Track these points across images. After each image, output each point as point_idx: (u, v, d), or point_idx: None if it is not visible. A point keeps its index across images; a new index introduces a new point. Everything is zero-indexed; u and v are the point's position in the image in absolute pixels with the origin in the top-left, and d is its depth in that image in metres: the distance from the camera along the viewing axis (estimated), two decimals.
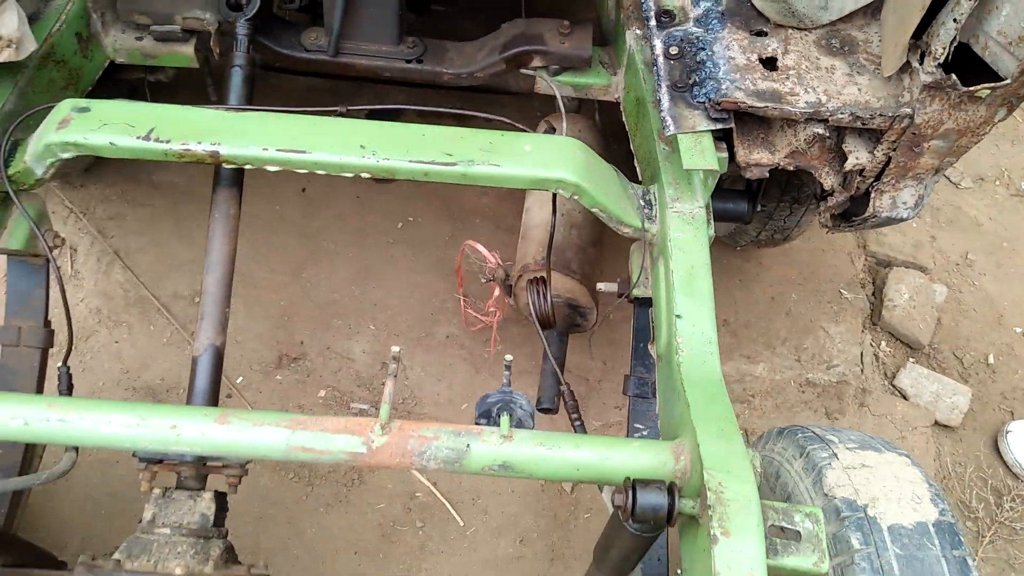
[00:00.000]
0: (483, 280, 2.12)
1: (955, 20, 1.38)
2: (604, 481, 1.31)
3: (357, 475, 2.35)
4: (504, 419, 1.34)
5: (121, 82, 2.28)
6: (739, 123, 1.62)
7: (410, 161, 1.57)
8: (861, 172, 1.65)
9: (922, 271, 2.86)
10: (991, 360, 2.77)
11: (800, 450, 1.44)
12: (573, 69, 2.08)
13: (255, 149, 1.56)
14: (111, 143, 1.56)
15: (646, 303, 1.74)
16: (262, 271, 2.68)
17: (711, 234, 1.63)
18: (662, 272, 1.58)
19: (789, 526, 1.18)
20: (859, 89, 1.56)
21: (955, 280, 2.93)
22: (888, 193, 1.67)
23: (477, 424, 1.39)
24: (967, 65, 1.45)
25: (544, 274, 1.92)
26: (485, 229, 2.81)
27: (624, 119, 2.01)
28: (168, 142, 1.55)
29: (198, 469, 1.58)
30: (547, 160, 1.57)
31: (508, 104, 2.31)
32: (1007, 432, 2.57)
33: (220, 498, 1.59)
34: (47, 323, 1.88)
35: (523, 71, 2.10)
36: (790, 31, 1.64)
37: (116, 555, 1.47)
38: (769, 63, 1.60)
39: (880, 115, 1.53)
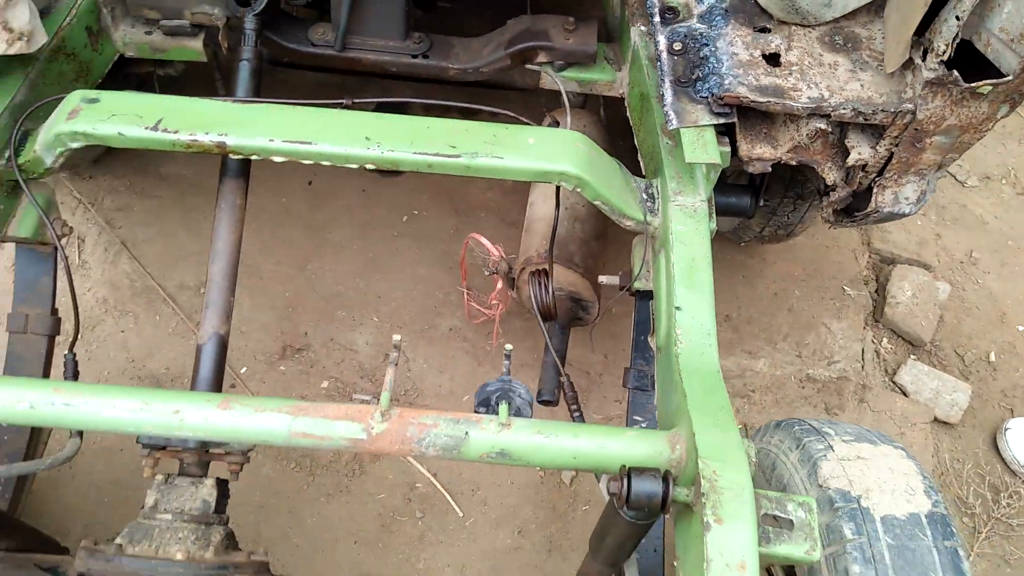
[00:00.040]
0: (486, 273, 2.13)
1: (957, 17, 1.39)
2: (601, 469, 1.32)
3: (358, 465, 2.37)
4: (503, 407, 1.35)
5: (130, 75, 2.30)
6: (742, 118, 1.63)
7: (414, 153, 1.58)
8: (863, 167, 1.66)
9: (926, 269, 2.86)
10: (992, 358, 2.77)
11: (796, 442, 1.45)
12: (578, 65, 2.09)
13: (261, 140, 1.58)
14: (120, 133, 1.58)
15: (647, 296, 1.76)
16: (268, 263, 2.70)
17: (713, 228, 1.64)
18: (663, 265, 1.59)
19: (782, 515, 1.19)
20: (862, 85, 1.57)
21: (959, 278, 2.93)
22: (890, 188, 1.68)
23: (476, 412, 1.40)
24: (970, 62, 1.46)
25: (546, 266, 1.93)
26: (490, 223, 2.83)
27: (628, 114, 2.02)
28: (176, 133, 1.57)
29: (200, 456, 1.60)
30: (550, 153, 1.59)
31: (514, 100, 2.31)
32: (1006, 430, 2.57)
33: (222, 485, 1.61)
34: (54, 311, 1.90)
35: (528, 67, 2.11)
36: (794, 28, 1.65)
37: (118, 540, 1.49)
38: (772, 59, 1.61)
39: (882, 111, 1.54)
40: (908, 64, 1.52)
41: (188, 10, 2.03)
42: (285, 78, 2.46)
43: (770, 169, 1.69)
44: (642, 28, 1.90)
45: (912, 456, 1.40)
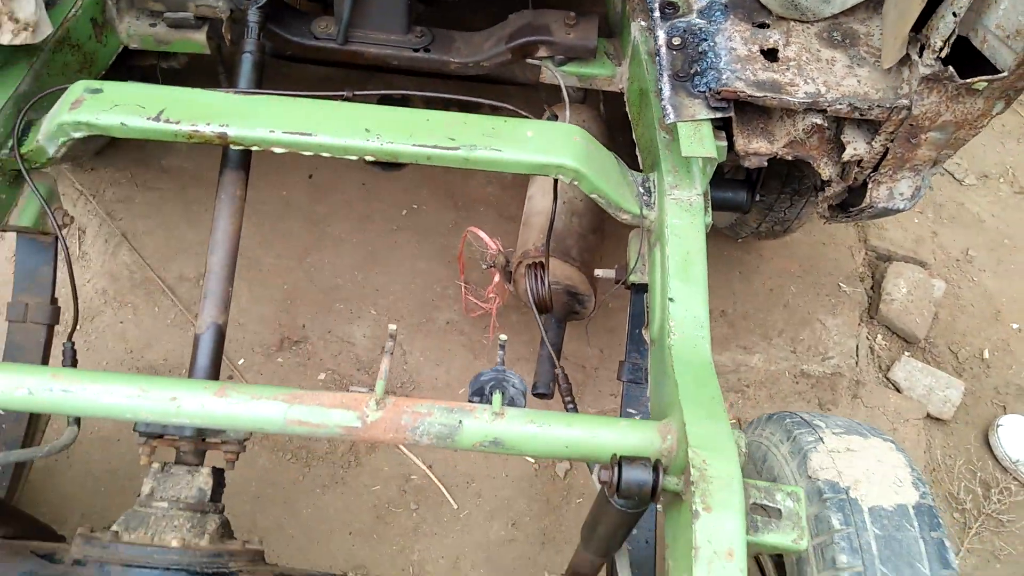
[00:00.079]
0: (484, 266, 2.14)
1: (954, 14, 1.40)
2: (592, 459, 1.33)
3: (354, 457, 2.38)
4: (496, 397, 1.36)
5: (134, 68, 2.32)
6: (739, 113, 1.64)
7: (414, 145, 1.59)
8: (859, 163, 1.67)
9: (922, 266, 2.88)
10: (986, 355, 2.78)
11: (787, 434, 1.46)
12: (578, 59, 2.10)
13: (262, 131, 1.59)
14: (122, 123, 1.59)
15: (643, 289, 1.77)
16: (267, 255, 2.71)
17: (708, 222, 1.66)
18: (658, 258, 1.61)
19: (770, 504, 1.20)
20: (858, 81, 1.58)
21: (954, 276, 2.94)
22: (885, 184, 1.69)
23: (470, 401, 1.42)
24: (966, 59, 1.47)
25: (543, 259, 1.94)
26: (489, 217, 2.84)
27: (627, 109, 2.03)
28: (178, 123, 1.59)
29: (197, 445, 1.62)
30: (548, 146, 1.60)
31: (515, 95, 2.33)
32: (998, 426, 2.59)
33: (218, 474, 1.62)
34: (54, 300, 1.91)
35: (529, 61, 2.12)
36: (792, 23, 1.66)
37: (114, 527, 1.50)
38: (770, 54, 1.62)
39: (878, 106, 1.55)
40: (905, 60, 1.53)
41: (192, 2, 2.04)
42: (288, 72, 2.47)
43: (766, 164, 1.70)
44: (642, 23, 1.91)
45: (901, 448, 1.42)
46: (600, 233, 2.24)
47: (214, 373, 1.72)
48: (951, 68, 1.43)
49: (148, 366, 2.49)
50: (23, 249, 1.91)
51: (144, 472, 1.59)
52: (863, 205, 1.73)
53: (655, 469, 1.19)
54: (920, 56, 1.47)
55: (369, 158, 1.62)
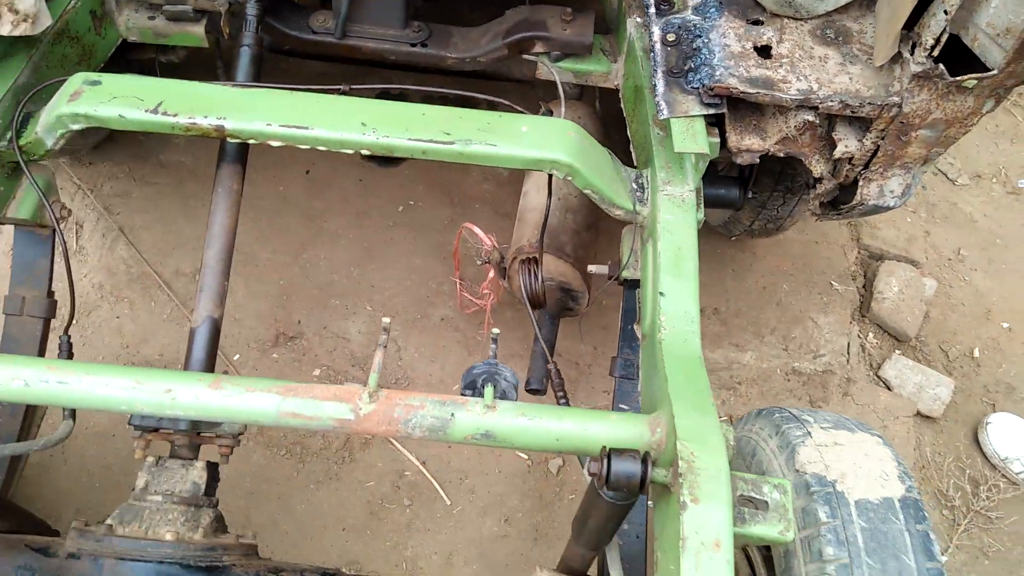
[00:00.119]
0: (479, 262, 2.15)
1: (945, 12, 1.41)
2: (583, 452, 1.34)
3: (348, 453, 2.39)
4: (488, 390, 1.38)
5: (133, 62, 2.32)
6: (732, 109, 1.66)
7: (409, 139, 1.60)
8: (850, 160, 1.69)
9: (914, 265, 2.89)
10: (976, 353, 2.80)
11: (776, 429, 1.47)
12: (574, 56, 2.11)
13: (259, 124, 1.60)
14: (120, 115, 1.60)
15: (635, 285, 1.78)
16: (264, 251, 2.72)
17: (700, 218, 1.67)
18: (650, 253, 1.62)
19: (757, 496, 1.21)
20: (850, 78, 1.59)
21: (946, 275, 2.96)
22: (876, 181, 1.71)
23: (462, 395, 1.43)
24: (957, 57, 1.48)
25: (537, 255, 1.95)
26: (485, 214, 2.85)
27: (622, 106, 2.04)
28: (175, 116, 1.60)
29: (191, 438, 1.63)
30: (542, 141, 1.61)
31: (512, 91, 2.34)
32: (987, 423, 2.60)
33: (212, 468, 1.63)
34: (50, 293, 1.92)
35: (525, 57, 2.13)
36: (786, 21, 1.67)
37: (109, 520, 1.51)
38: (763, 51, 1.63)
39: (869, 103, 1.56)
40: (897, 58, 1.54)
41: None
42: (286, 68, 2.48)
43: (758, 160, 1.71)
44: (638, 20, 1.92)
45: (888, 443, 1.43)
46: (595, 230, 2.25)
47: (209, 366, 1.72)
48: (941, 66, 1.45)
49: (144, 361, 2.50)
50: (20, 242, 1.91)
51: (139, 466, 1.60)
52: (854, 202, 1.74)
53: (644, 461, 1.20)
54: (912, 54, 1.48)
55: (365, 152, 1.63)
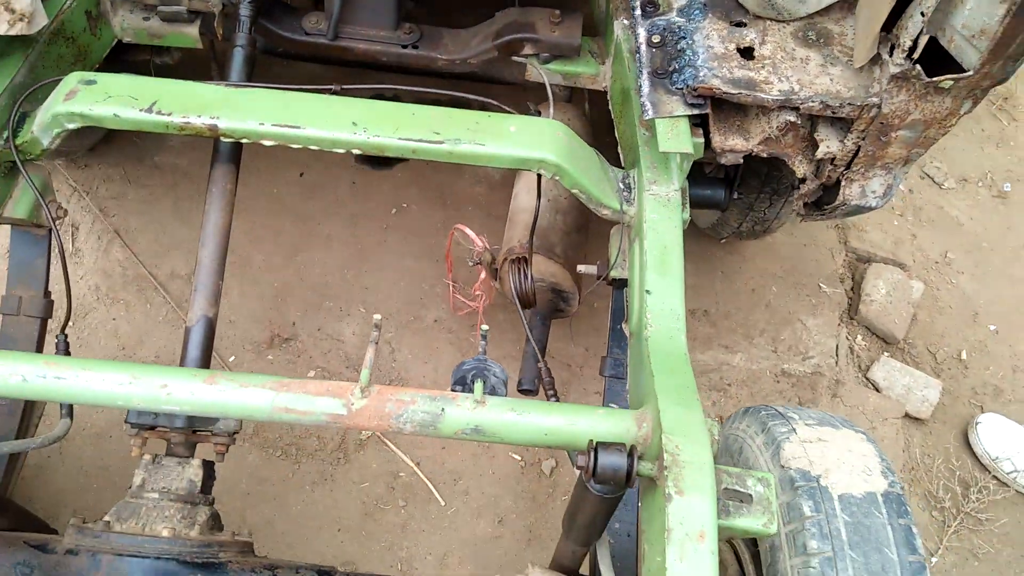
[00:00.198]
0: (470, 263, 2.18)
1: (922, 14, 1.44)
2: (571, 446, 1.36)
3: (343, 454, 2.41)
4: (478, 385, 1.40)
5: (128, 63, 2.34)
6: (716, 110, 1.68)
7: (399, 139, 1.62)
8: (832, 160, 1.71)
9: (901, 268, 2.92)
10: (964, 356, 2.83)
11: (762, 426, 1.49)
12: (563, 57, 2.13)
13: (252, 123, 1.62)
14: (115, 115, 1.62)
15: (624, 285, 1.80)
16: (258, 253, 2.74)
17: (686, 217, 1.69)
18: (637, 252, 1.64)
19: (742, 489, 1.23)
20: (831, 79, 1.62)
21: (933, 278, 2.99)
22: (858, 182, 1.73)
23: (452, 390, 1.45)
24: (937, 60, 1.51)
25: (527, 255, 1.98)
26: (477, 217, 2.87)
27: (610, 107, 2.07)
28: (169, 115, 1.62)
29: (187, 437, 1.64)
30: (530, 140, 1.63)
31: (502, 94, 2.37)
32: (976, 424, 2.62)
33: (208, 466, 1.65)
34: (47, 293, 1.93)
35: (515, 58, 2.16)
36: (768, 23, 1.70)
37: (106, 517, 1.53)
38: (746, 52, 1.66)
39: (849, 104, 1.59)
40: (876, 59, 1.57)
41: None
42: (280, 72, 2.50)
43: (742, 161, 1.74)
44: (625, 22, 1.95)
45: (872, 439, 1.45)
46: (584, 232, 2.27)
47: (205, 365, 1.74)
48: (919, 67, 1.47)
49: (140, 362, 2.52)
50: (17, 242, 1.92)
51: (135, 464, 1.62)
52: (837, 203, 1.77)
53: (630, 454, 1.22)
54: (890, 55, 1.51)
55: (356, 151, 1.65)
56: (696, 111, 1.64)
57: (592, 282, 1.93)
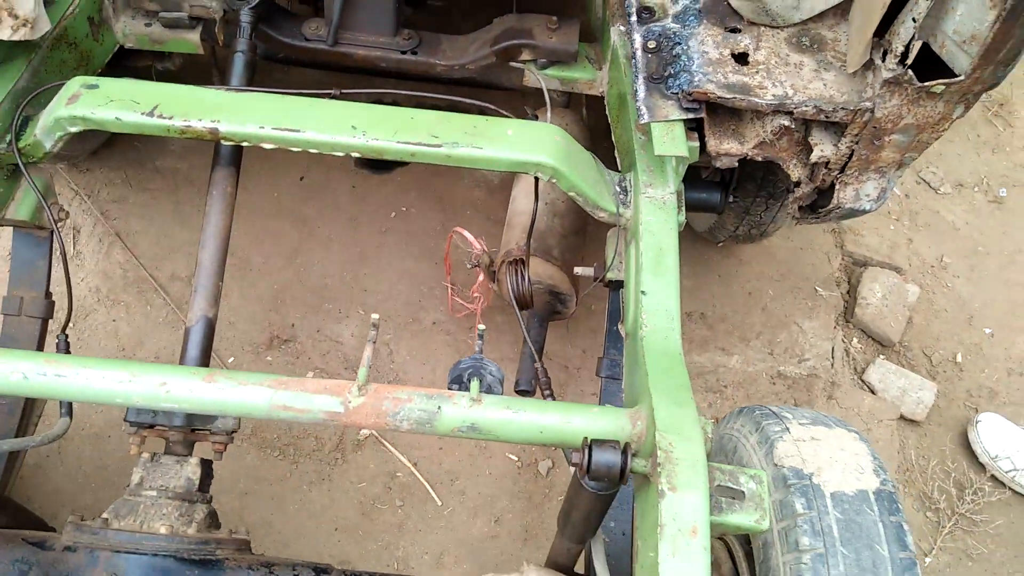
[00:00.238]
0: (468, 266, 2.20)
1: (914, 19, 1.46)
2: (566, 444, 1.38)
3: (340, 455, 2.42)
4: (474, 384, 1.41)
5: (130, 69, 2.36)
6: (711, 114, 1.70)
7: (398, 142, 1.64)
8: (826, 164, 1.73)
9: (897, 272, 2.94)
10: (959, 359, 2.84)
11: (756, 425, 1.50)
12: (560, 63, 2.16)
13: (252, 127, 1.64)
14: (117, 118, 1.64)
15: (620, 287, 1.82)
16: (258, 255, 2.76)
17: (681, 220, 1.71)
18: (633, 254, 1.66)
19: (734, 486, 1.25)
20: (824, 84, 1.64)
21: (929, 281, 3.00)
22: (852, 185, 1.75)
23: (449, 389, 1.47)
24: (930, 65, 1.53)
25: (524, 256, 1.99)
26: (476, 220, 2.89)
27: (607, 112, 2.09)
28: (171, 118, 1.64)
29: (185, 435, 1.66)
30: (527, 144, 1.66)
31: (500, 100, 2.40)
32: (977, 422, 2.63)
33: (205, 464, 1.66)
34: (48, 294, 1.95)
35: (512, 64, 2.18)
36: (762, 29, 1.72)
37: (104, 514, 1.54)
38: (741, 58, 1.68)
39: (842, 108, 1.61)
40: (869, 65, 1.59)
41: (187, 2, 2.10)
42: (280, 78, 2.53)
43: (736, 164, 1.76)
44: (621, 28, 1.97)
45: (864, 438, 1.46)
46: (582, 235, 2.29)
47: (204, 365, 1.75)
48: (911, 71, 1.49)
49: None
50: (19, 243, 1.95)
51: (133, 464, 1.63)
52: (831, 206, 1.79)
53: (624, 452, 1.23)
54: (883, 60, 1.53)
55: (355, 155, 1.67)
56: (691, 115, 1.66)
57: (589, 284, 1.94)
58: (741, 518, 1.22)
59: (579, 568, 1.60)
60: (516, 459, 2.46)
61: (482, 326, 1.54)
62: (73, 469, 2.34)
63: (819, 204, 1.87)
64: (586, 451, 1.24)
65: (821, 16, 1.70)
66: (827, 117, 1.62)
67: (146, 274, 2.70)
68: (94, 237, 2.76)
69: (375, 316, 1.46)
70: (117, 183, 2.87)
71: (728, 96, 1.61)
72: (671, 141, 1.62)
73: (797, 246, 2.96)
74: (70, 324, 1.79)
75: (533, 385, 2.02)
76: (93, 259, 2.72)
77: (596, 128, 2.40)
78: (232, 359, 2.57)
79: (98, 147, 2.87)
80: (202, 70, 2.34)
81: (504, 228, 2.31)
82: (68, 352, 1.72)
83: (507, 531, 2.34)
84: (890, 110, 1.58)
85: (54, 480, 2.31)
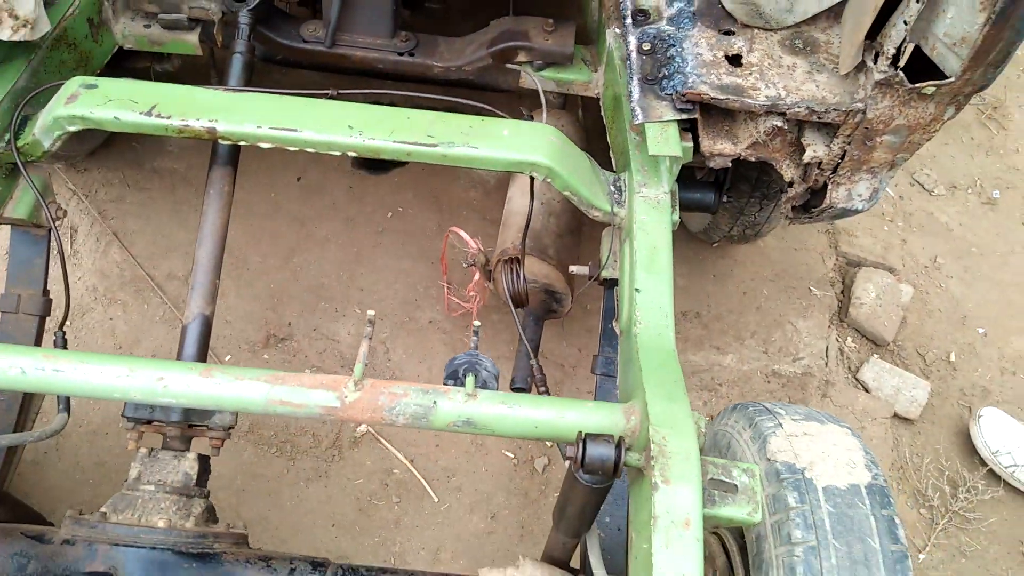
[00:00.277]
0: (464, 265, 2.21)
1: (905, 22, 1.48)
2: (561, 439, 1.39)
3: (337, 451, 2.44)
4: (469, 379, 1.43)
5: (128, 70, 2.38)
6: (705, 115, 1.72)
7: (394, 142, 1.66)
8: (819, 165, 1.75)
9: (891, 272, 2.96)
10: (952, 358, 2.86)
11: (749, 421, 1.52)
12: (556, 65, 2.18)
13: (249, 126, 1.66)
14: (115, 117, 1.66)
15: (615, 285, 1.83)
16: (255, 255, 2.77)
17: (675, 219, 1.73)
18: (627, 252, 1.68)
19: (727, 480, 1.26)
20: (817, 86, 1.66)
21: (922, 282, 3.02)
22: (844, 185, 1.77)
23: (445, 384, 1.48)
24: (922, 67, 1.55)
25: (520, 255, 2.01)
26: (472, 220, 2.91)
27: (603, 113, 2.11)
28: (169, 118, 1.65)
29: (183, 430, 1.67)
30: (523, 144, 1.67)
31: (496, 101, 2.42)
32: (979, 416, 2.64)
33: (203, 460, 1.67)
34: (46, 292, 1.96)
35: (509, 66, 2.20)
36: (756, 31, 1.74)
37: (103, 509, 1.56)
38: (734, 60, 1.70)
39: (835, 110, 1.63)
40: (861, 66, 1.61)
41: (185, 4, 2.11)
42: (278, 80, 2.54)
43: (730, 164, 1.77)
44: (617, 31, 1.99)
45: (856, 434, 1.48)
46: (577, 235, 2.31)
47: (200, 361, 1.77)
48: (902, 73, 1.51)
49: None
50: (17, 241, 1.96)
51: (131, 459, 1.64)
52: (824, 206, 1.80)
53: (618, 446, 1.25)
54: (875, 62, 1.55)
55: (352, 154, 1.68)
56: (685, 116, 1.68)
57: (584, 283, 1.96)
58: (734, 511, 1.24)
59: (575, 563, 1.61)
60: (512, 456, 2.47)
61: (477, 323, 1.56)
62: (71, 465, 2.35)
63: (812, 204, 1.89)
64: (580, 445, 1.25)
65: (814, 19, 1.72)
66: (819, 118, 1.64)
67: (143, 273, 2.71)
68: (91, 236, 2.77)
69: (371, 312, 1.47)
70: (115, 183, 2.88)
71: (722, 97, 1.63)
72: (665, 141, 1.64)
73: (791, 246, 2.98)
74: (67, 322, 1.80)
75: (529, 383, 2.03)
76: (90, 258, 2.73)
77: (592, 129, 2.42)
78: (229, 357, 2.58)
79: (96, 148, 2.88)
80: (200, 72, 2.35)
81: (500, 228, 2.32)
82: (66, 347, 1.73)
83: (503, 527, 2.36)
84: (882, 111, 1.59)
85: (52, 476, 2.32)
